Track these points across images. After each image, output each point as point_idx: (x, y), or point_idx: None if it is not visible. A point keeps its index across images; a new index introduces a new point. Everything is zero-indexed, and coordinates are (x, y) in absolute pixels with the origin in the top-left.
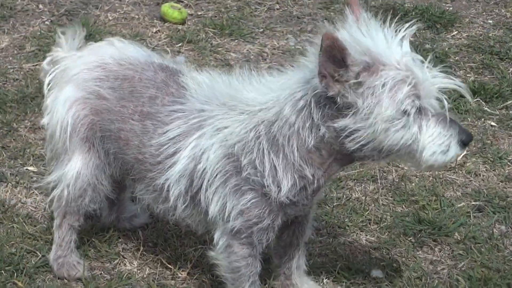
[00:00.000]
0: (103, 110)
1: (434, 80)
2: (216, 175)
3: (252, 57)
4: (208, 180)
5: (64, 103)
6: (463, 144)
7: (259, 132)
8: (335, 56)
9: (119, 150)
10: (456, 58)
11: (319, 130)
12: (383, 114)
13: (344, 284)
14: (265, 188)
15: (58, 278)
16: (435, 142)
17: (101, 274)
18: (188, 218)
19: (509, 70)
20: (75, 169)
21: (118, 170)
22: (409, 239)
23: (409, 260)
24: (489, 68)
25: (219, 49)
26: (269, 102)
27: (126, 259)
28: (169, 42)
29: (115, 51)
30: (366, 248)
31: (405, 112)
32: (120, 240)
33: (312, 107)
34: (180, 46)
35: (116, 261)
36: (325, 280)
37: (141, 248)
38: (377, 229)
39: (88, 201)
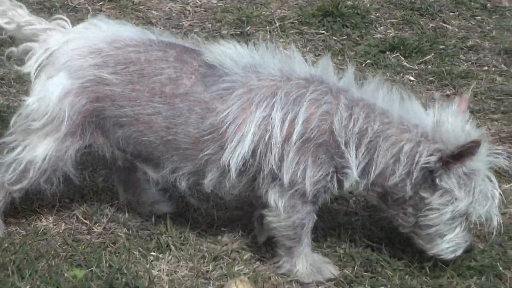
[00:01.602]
0: (105, 96)
1: (495, 201)
2: (301, 145)
3: (174, 15)
4: (284, 148)
5: (58, 93)
6: (466, 251)
7: (369, 135)
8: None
9: (137, 133)
10: (377, 14)
11: (405, 183)
12: (461, 206)
13: None
14: (346, 169)
15: None
16: (456, 240)
17: (16, 230)
18: (232, 188)
19: (429, 25)
20: (46, 153)
21: (122, 152)
22: None
23: (324, 212)
24: (409, 24)
25: (141, 7)
26: (401, 125)
27: (42, 215)
28: (90, 0)
29: (105, 33)
30: None
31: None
32: (36, 196)
33: (421, 166)
34: (101, 4)
35: (32, 217)
36: (240, 232)
37: (57, 204)
38: None
39: (43, 181)
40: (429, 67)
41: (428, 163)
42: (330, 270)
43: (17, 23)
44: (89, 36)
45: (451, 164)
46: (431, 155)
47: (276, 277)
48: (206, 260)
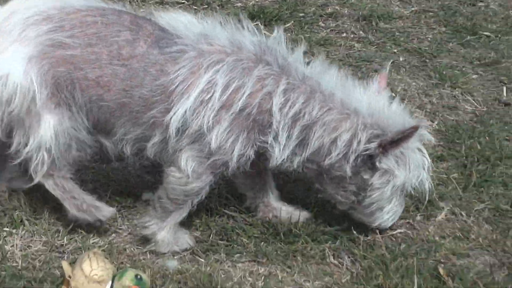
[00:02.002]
0: (66, 60)
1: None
2: (238, 117)
3: None
4: (221, 115)
5: (20, 63)
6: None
7: (305, 119)
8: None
9: (96, 97)
10: None
11: (342, 164)
12: (400, 182)
13: (116, 207)
14: (273, 148)
15: None
16: (394, 209)
17: None
18: (173, 153)
19: None
20: (51, 129)
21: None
22: None
23: None
24: None
25: None
26: (342, 111)
27: None
28: None
29: (52, 1)
30: (139, 172)
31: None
32: None
33: (360, 152)
34: None
35: None
36: (97, 203)
37: None
38: None
39: (75, 152)
40: (289, 35)
41: (367, 149)
42: (187, 240)
43: None
44: (36, 4)
45: (390, 147)
46: (370, 141)
47: (132, 249)
48: (60, 234)
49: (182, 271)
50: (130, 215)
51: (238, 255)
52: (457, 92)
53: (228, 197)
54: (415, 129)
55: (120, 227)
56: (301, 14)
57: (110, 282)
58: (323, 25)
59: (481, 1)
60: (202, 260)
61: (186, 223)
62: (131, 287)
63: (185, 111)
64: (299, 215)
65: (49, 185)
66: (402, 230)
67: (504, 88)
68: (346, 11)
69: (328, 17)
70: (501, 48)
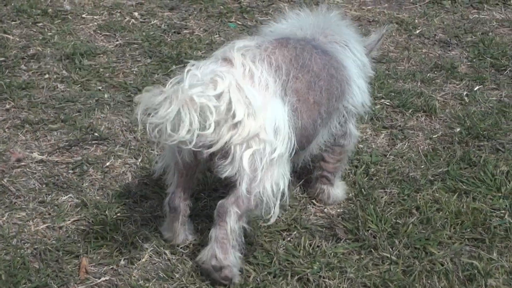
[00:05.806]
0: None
1: None
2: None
3: None
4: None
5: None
6: None
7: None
8: None
9: (315, 116)
10: None
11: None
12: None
13: None
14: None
15: None
16: None
17: None
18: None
19: None
20: None
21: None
22: None
23: None
24: None
25: None
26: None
27: None
28: None
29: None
30: None
31: None
32: None
33: None
34: None
35: None
36: None
37: None
38: None
39: None
40: None
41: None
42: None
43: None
44: (254, 54)
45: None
46: None
47: None
48: None
49: None
50: None
51: None
52: None
53: None
54: (385, 32)
55: None
56: (1, 59)
57: None
58: (25, 68)
59: (186, 29)
60: None
61: None
62: None
63: (359, 90)
64: None
65: None
66: (107, 278)
67: None
68: (49, 51)
69: (30, 59)
70: None
